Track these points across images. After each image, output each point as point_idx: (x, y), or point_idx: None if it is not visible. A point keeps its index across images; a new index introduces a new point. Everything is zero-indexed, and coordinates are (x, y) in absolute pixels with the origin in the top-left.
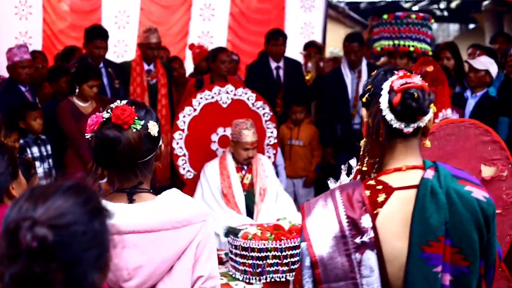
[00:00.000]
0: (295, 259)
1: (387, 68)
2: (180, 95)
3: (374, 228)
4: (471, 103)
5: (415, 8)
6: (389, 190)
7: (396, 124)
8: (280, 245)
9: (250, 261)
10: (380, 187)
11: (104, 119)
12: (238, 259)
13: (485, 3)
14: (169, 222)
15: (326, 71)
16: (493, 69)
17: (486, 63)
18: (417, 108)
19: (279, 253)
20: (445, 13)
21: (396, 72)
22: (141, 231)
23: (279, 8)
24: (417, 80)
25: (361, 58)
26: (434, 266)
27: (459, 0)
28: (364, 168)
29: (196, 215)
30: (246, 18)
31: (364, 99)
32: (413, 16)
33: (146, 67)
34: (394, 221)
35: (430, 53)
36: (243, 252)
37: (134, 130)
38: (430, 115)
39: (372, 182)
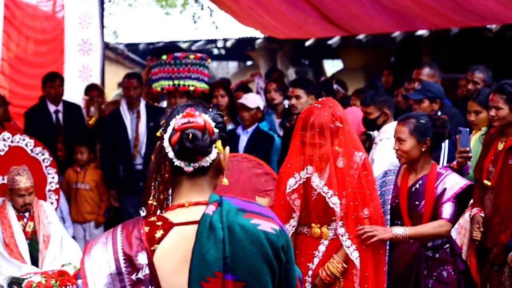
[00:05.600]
0: None
1: (186, 104)
2: None
3: (150, 264)
4: (243, 139)
5: (194, 47)
6: (167, 226)
7: (177, 162)
8: None
9: None
10: (160, 223)
11: None
12: None
13: (258, 41)
14: None
15: (107, 114)
16: (262, 104)
17: (256, 101)
18: (193, 149)
19: None
20: (223, 52)
21: (188, 108)
22: None
23: (59, 51)
24: (200, 119)
25: (140, 96)
26: None
27: (234, 39)
28: (155, 203)
29: None
30: (23, 62)
31: (158, 133)
32: (192, 56)
33: None
34: (172, 257)
35: (208, 91)
36: None
37: None
38: (214, 155)
39: (153, 218)
